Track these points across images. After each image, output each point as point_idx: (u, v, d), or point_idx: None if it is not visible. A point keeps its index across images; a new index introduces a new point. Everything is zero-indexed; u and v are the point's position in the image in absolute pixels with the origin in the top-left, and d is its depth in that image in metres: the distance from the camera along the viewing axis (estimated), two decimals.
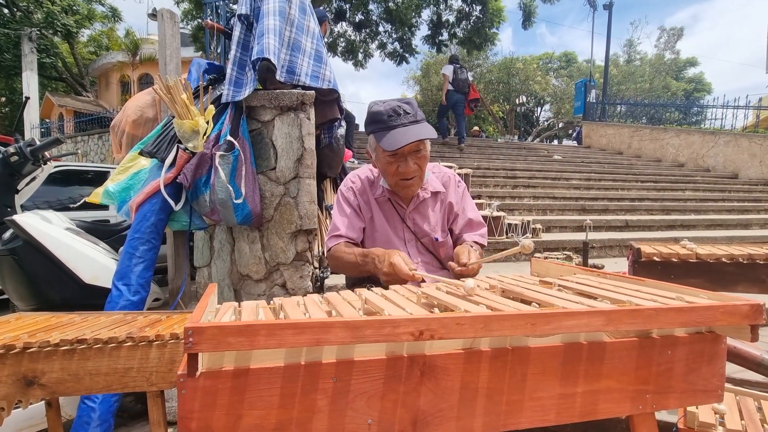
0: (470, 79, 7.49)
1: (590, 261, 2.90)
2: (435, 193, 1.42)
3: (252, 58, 1.89)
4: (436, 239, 1.39)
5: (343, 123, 2.42)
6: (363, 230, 1.41)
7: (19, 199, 2.12)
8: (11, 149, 1.95)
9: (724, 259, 1.32)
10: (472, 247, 1.33)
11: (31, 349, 0.88)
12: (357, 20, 11.05)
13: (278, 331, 0.54)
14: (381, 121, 1.25)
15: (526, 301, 0.75)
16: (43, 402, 1.11)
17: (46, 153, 2.09)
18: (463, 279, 0.94)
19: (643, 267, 1.35)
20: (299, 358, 0.59)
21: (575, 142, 12.49)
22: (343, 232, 1.37)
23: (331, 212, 2.59)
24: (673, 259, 1.34)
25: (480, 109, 22.98)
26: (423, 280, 1.13)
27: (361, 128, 8.00)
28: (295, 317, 0.68)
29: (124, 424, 1.64)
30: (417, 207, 1.40)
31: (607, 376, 0.69)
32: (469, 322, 0.60)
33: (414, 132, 1.22)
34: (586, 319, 0.64)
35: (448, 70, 7.34)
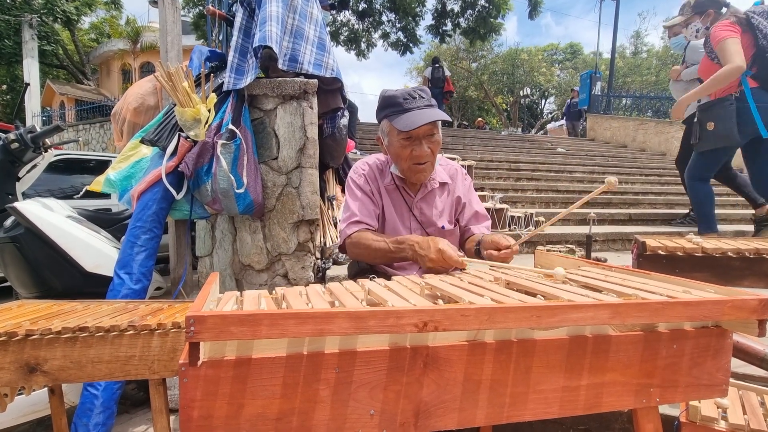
0: (447, 74, 9.41)
1: (593, 254, 2.89)
2: (443, 184, 1.42)
3: (253, 46, 1.86)
4: (443, 227, 1.39)
5: (346, 113, 2.40)
6: (378, 216, 1.38)
7: (21, 187, 2.11)
8: (12, 136, 1.94)
9: (730, 254, 1.30)
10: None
11: (34, 337, 0.88)
12: (360, 9, 10.91)
13: (281, 320, 0.53)
14: (396, 104, 1.25)
15: (531, 294, 0.74)
16: (46, 389, 1.12)
17: (47, 140, 2.08)
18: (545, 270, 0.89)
19: (648, 260, 1.34)
20: (302, 348, 0.59)
21: (563, 121, 12.05)
22: (361, 218, 1.33)
23: (334, 202, 2.59)
24: (679, 253, 1.33)
25: (484, 101, 22.83)
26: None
27: (364, 119, 7.99)
28: (297, 307, 0.67)
29: (127, 411, 1.66)
30: (424, 197, 1.39)
31: (612, 369, 0.69)
32: (474, 313, 0.59)
33: (430, 114, 1.23)
34: (592, 312, 0.63)
35: (427, 72, 9.30)
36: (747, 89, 2.50)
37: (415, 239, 1.18)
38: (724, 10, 2.54)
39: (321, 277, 2.14)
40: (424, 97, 1.26)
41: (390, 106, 1.27)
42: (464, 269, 1.09)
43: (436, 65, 9.34)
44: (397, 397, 0.61)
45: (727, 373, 0.75)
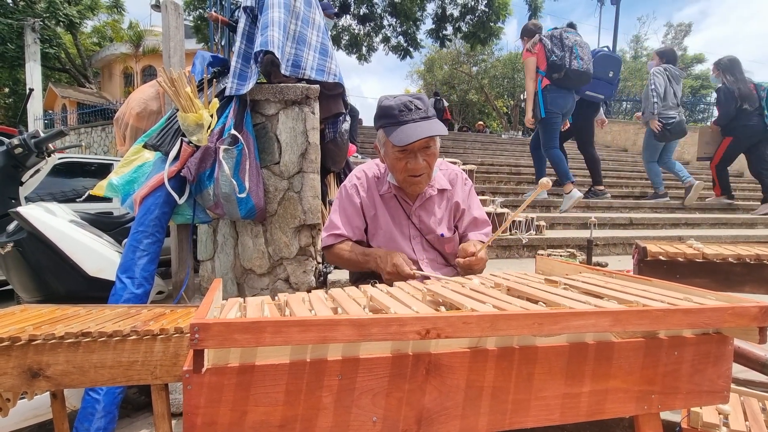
0: (445, 104, 11.71)
1: (594, 258, 2.89)
2: (441, 191, 1.41)
3: (255, 50, 1.87)
4: (442, 235, 1.38)
5: (348, 117, 2.41)
6: (363, 231, 1.42)
7: (24, 191, 2.12)
8: (15, 141, 1.95)
9: (731, 259, 1.30)
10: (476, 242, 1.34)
11: (36, 342, 0.89)
12: (361, 13, 10.96)
13: (284, 328, 0.54)
14: (392, 115, 1.24)
15: (533, 300, 0.75)
16: (48, 393, 1.12)
17: (51, 145, 2.09)
18: (468, 277, 0.95)
19: (649, 266, 1.34)
20: (305, 355, 0.59)
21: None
22: (342, 232, 1.39)
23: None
24: (679, 259, 1.33)
25: (485, 105, 22.91)
26: (423, 277, 1.21)
27: (366, 123, 8.03)
28: (300, 314, 0.68)
29: (128, 416, 1.66)
30: (423, 204, 1.39)
31: (614, 376, 0.69)
32: (476, 321, 0.59)
33: (425, 128, 1.21)
34: (593, 320, 0.63)
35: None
36: (539, 87, 3.90)
37: (378, 253, 1.29)
38: (537, 36, 3.93)
39: (322, 281, 2.14)
40: (420, 108, 1.24)
41: (385, 116, 1.26)
42: (416, 278, 1.18)
43: (437, 98, 11.88)
44: (399, 404, 0.61)
45: (728, 379, 0.75)
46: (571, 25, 4.03)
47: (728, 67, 4.35)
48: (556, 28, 3.93)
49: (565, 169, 4.07)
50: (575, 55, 3.70)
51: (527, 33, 4.03)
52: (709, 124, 5.04)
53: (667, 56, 4.49)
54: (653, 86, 4.25)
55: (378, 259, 1.26)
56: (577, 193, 4.03)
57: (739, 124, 4.35)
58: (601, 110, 4.76)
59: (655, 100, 4.23)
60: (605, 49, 4.43)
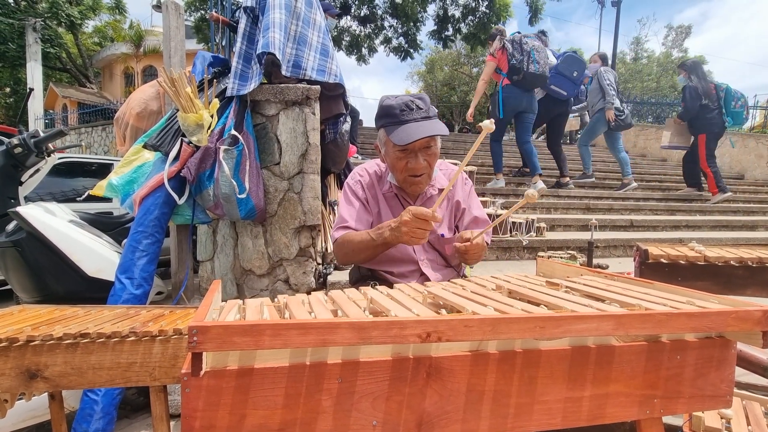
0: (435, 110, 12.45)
1: (594, 260, 2.88)
2: (442, 191, 1.41)
3: (257, 52, 1.87)
4: (442, 235, 1.38)
5: (348, 118, 2.40)
6: (371, 224, 1.39)
7: (23, 191, 2.12)
8: (15, 141, 1.95)
9: (733, 263, 1.30)
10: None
11: (35, 343, 0.88)
12: (362, 15, 10.96)
13: (283, 331, 0.53)
14: (393, 115, 1.24)
15: (534, 303, 0.74)
16: (46, 394, 1.11)
17: (50, 145, 2.09)
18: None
19: (650, 268, 1.33)
20: (304, 358, 0.59)
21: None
22: (351, 224, 1.34)
23: (335, 207, 2.59)
24: (681, 262, 1.33)
25: (485, 106, 22.98)
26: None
27: (366, 124, 8.04)
28: (300, 316, 0.67)
29: (127, 416, 1.65)
30: (424, 203, 1.38)
31: (616, 380, 0.68)
32: (477, 324, 0.59)
33: (426, 128, 1.21)
34: (596, 323, 0.63)
35: None
36: (500, 87, 4.36)
37: (388, 222, 1.20)
38: (498, 39, 4.32)
39: (322, 283, 2.13)
40: (422, 108, 1.24)
41: (387, 116, 1.25)
42: (438, 222, 1.18)
43: None
44: (399, 408, 0.61)
45: (731, 384, 0.74)
46: (542, 32, 4.51)
47: (692, 68, 4.95)
48: (517, 33, 4.35)
49: (498, 162, 4.74)
50: (532, 59, 4.12)
51: (491, 37, 4.55)
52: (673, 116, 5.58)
53: (607, 60, 5.33)
54: (608, 81, 4.87)
55: (391, 223, 1.17)
56: (501, 182, 4.73)
57: (704, 121, 4.88)
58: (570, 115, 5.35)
59: (613, 93, 4.85)
60: (572, 52, 4.82)
